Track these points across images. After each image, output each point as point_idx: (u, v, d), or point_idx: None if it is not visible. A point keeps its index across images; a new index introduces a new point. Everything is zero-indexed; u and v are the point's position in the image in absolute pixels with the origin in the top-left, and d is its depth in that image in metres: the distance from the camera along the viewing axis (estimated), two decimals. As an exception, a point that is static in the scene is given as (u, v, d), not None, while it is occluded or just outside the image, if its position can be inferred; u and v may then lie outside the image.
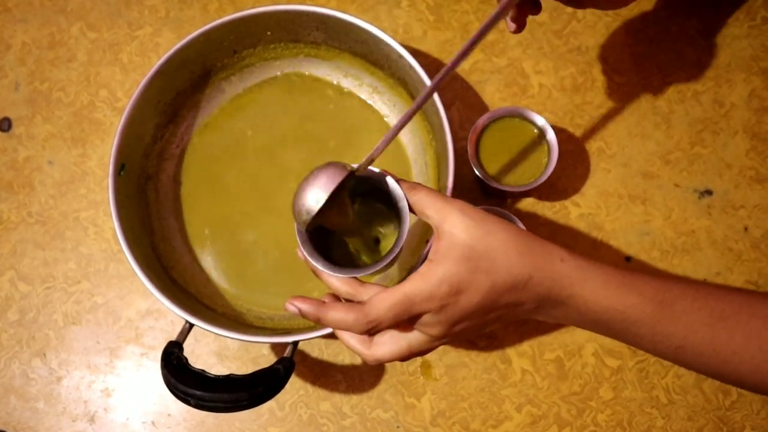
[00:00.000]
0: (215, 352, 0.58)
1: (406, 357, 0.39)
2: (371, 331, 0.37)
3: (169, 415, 0.57)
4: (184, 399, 0.43)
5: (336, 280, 0.39)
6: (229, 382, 0.44)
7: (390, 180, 0.39)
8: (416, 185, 0.39)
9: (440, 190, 0.52)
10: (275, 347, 0.57)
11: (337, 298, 0.41)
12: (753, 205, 0.57)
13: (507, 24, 0.48)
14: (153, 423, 0.57)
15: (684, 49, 0.60)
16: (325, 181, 0.37)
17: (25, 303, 0.59)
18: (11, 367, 0.58)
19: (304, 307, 0.39)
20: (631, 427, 0.54)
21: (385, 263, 0.39)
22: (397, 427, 0.55)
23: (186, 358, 0.46)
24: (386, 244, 0.44)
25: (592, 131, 0.59)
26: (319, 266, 0.39)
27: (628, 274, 0.38)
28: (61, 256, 0.60)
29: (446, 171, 0.50)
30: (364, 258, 0.45)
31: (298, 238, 0.40)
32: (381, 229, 0.44)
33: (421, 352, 0.39)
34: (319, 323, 0.39)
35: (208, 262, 0.57)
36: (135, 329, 0.58)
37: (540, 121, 0.53)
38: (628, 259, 0.57)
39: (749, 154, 0.58)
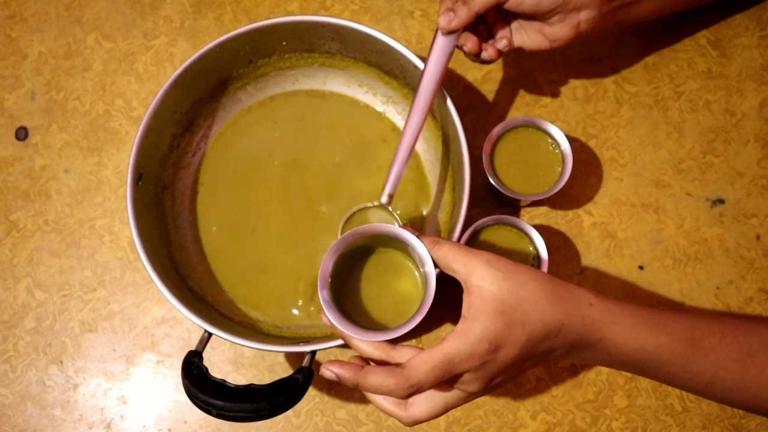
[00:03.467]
0: (231, 360, 0.58)
1: (442, 413, 0.39)
2: (412, 395, 0.37)
3: (185, 422, 0.57)
4: (205, 409, 0.44)
5: (366, 345, 0.39)
6: (250, 391, 0.44)
7: (410, 236, 0.39)
8: (439, 240, 0.39)
9: (456, 200, 0.52)
10: (290, 355, 0.58)
11: (365, 359, 0.40)
12: (765, 213, 0.57)
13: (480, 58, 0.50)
14: (169, 430, 0.57)
15: (695, 59, 0.60)
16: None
17: (42, 311, 0.60)
18: (28, 374, 0.59)
19: (342, 372, 0.38)
20: (645, 435, 0.54)
21: (414, 324, 0.39)
22: (412, 434, 0.55)
23: (206, 368, 0.47)
24: (407, 298, 0.44)
25: (605, 140, 0.59)
26: (347, 332, 0.39)
27: (656, 313, 0.39)
28: (77, 264, 0.61)
29: (461, 180, 0.50)
30: (382, 313, 0.44)
31: (322, 304, 0.40)
32: (400, 281, 0.44)
33: (457, 406, 0.39)
34: (358, 388, 0.38)
35: (224, 271, 0.57)
36: (151, 337, 0.59)
37: (554, 130, 0.54)
38: (641, 267, 0.57)
39: (761, 163, 0.58)
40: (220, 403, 0.43)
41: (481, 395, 0.39)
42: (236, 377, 0.58)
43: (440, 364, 0.36)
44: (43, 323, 0.60)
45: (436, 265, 0.39)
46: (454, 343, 0.36)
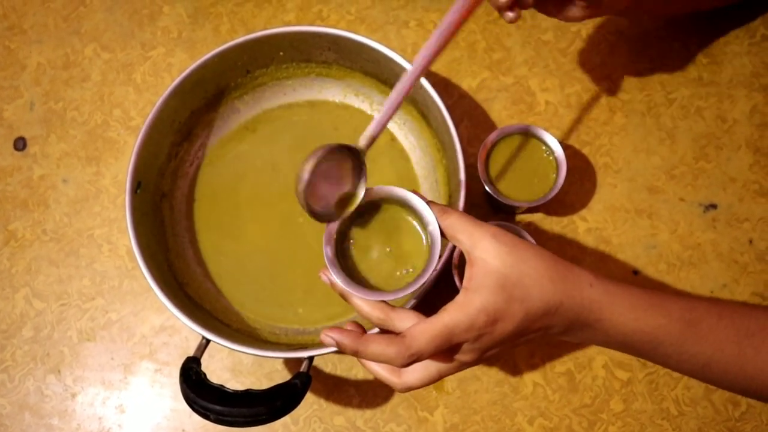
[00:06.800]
0: (229, 367, 0.58)
1: (435, 381, 0.39)
2: (411, 364, 0.37)
3: (183, 430, 0.57)
4: (203, 414, 0.44)
5: (366, 304, 0.39)
6: (248, 396, 0.45)
7: (420, 202, 0.39)
8: (447, 209, 0.39)
9: (452, 207, 0.53)
10: (289, 362, 0.58)
11: (359, 324, 0.40)
12: (757, 218, 0.58)
13: (503, 15, 0.45)
14: (167, 439, 0.57)
15: (686, 66, 0.61)
16: (317, 152, 0.38)
17: (40, 320, 0.60)
18: (26, 383, 0.59)
19: (341, 338, 0.38)
20: (641, 439, 0.54)
21: (417, 286, 0.39)
22: (410, 440, 0.56)
23: (204, 374, 0.47)
24: (411, 259, 0.43)
25: (598, 147, 0.60)
26: (348, 289, 0.39)
27: (654, 295, 0.39)
28: (76, 273, 0.61)
29: (457, 188, 0.51)
30: (380, 277, 0.43)
31: (326, 261, 0.39)
32: (405, 241, 0.43)
33: (449, 374, 0.39)
34: (356, 355, 0.38)
35: (222, 278, 0.57)
36: (149, 345, 0.59)
37: (548, 137, 0.54)
38: (636, 272, 0.58)
39: (752, 168, 0.59)
40: (218, 407, 0.43)
41: (474, 365, 0.39)
42: (235, 384, 0.58)
43: (440, 334, 0.36)
44: (41, 332, 0.60)
45: (442, 234, 0.39)
46: (455, 313, 0.36)
